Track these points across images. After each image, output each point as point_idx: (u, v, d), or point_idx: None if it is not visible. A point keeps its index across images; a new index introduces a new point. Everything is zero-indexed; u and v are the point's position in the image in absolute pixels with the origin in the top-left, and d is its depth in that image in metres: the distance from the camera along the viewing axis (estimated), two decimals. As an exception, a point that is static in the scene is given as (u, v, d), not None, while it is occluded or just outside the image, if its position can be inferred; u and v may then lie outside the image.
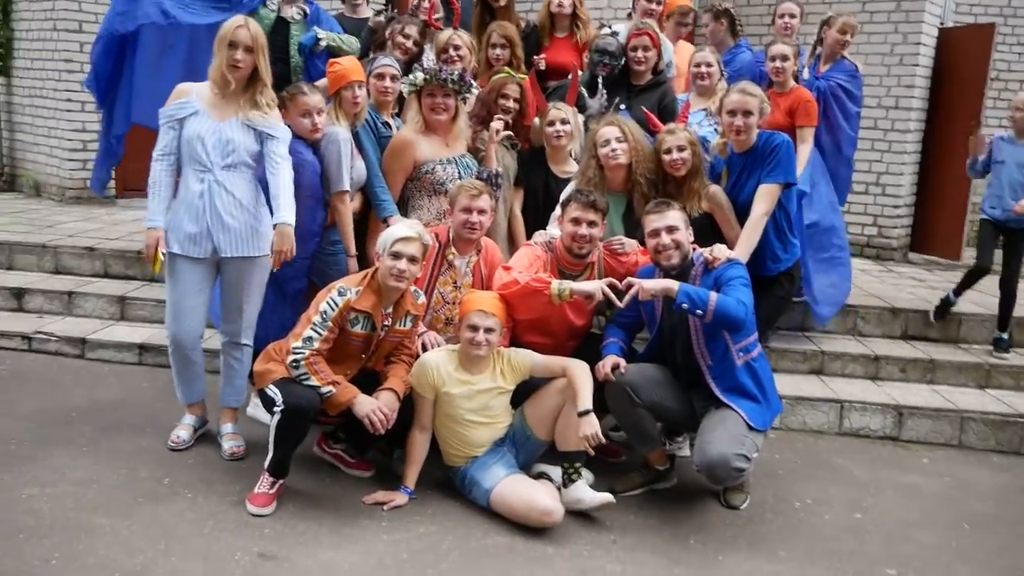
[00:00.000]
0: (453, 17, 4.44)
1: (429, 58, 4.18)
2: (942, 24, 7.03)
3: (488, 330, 3.00)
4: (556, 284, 3.12)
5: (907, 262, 6.76)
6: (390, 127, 3.83)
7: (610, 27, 4.55)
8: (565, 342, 3.43)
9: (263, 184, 3.24)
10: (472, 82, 3.78)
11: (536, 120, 4.01)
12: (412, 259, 2.95)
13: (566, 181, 3.78)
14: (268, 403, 2.95)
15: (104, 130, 4.63)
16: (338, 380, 2.92)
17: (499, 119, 3.77)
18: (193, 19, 4.23)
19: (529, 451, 3.18)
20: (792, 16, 4.90)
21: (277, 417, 2.89)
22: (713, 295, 2.94)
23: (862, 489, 3.48)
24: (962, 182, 6.56)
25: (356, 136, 3.62)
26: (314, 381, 2.88)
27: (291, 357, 2.90)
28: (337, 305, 2.93)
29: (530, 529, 2.90)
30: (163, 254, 3.16)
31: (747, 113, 3.49)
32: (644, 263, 3.37)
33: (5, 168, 7.60)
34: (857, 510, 3.29)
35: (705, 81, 4.22)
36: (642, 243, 3.33)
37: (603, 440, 2.95)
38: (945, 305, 4.71)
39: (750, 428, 3.03)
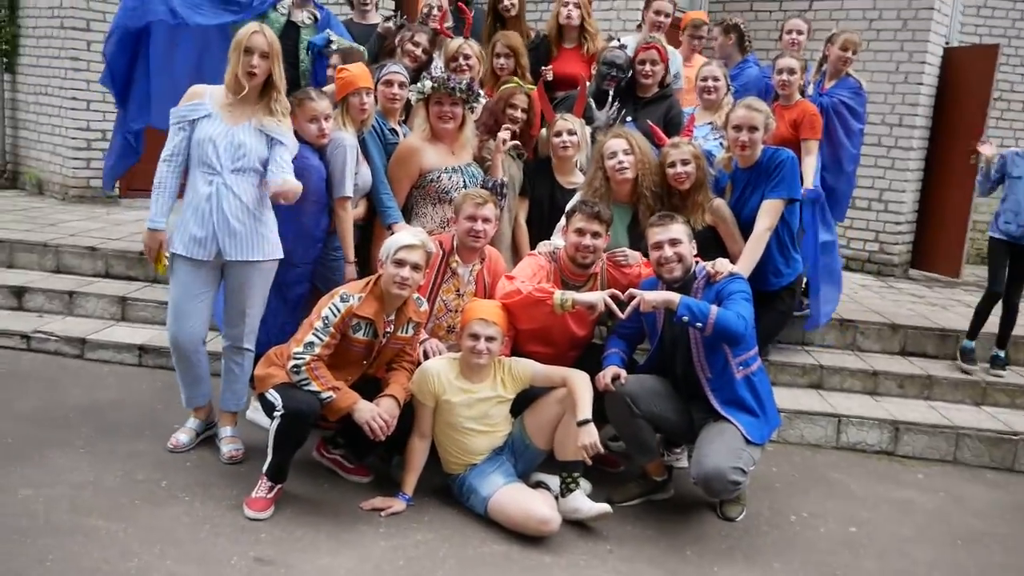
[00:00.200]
0: (464, 26, 4.46)
1: (438, 66, 4.19)
2: (947, 44, 7.08)
3: (489, 339, 3.01)
4: (559, 294, 3.13)
5: (907, 278, 6.79)
6: (397, 134, 3.84)
7: (618, 39, 4.58)
8: (566, 352, 3.44)
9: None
10: (480, 91, 3.79)
11: (543, 131, 4.02)
12: (415, 267, 2.96)
13: (572, 192, 3.80)
14: (268, 407, 2.96)
15: (118, 125, 4.62)
16: (338, 386, 2.92)
17: (507, 129, 3.78)
18: (201, 20, 4.23)
19: (528, 460, 3.19)
20: (800, 32, 4.93)
21: (277, 422, 2.90)
22: (713, 309, 2.95)
23: (858, 503, 3.49)
24: (963, 201, 6.61)
25: (362, 142, 3.63)
26: (315, 386, 2.89)
27: (292, 362, 2.91)
28: (339, 311, 2.94)
29: (527, 538, 2.90)
30: (167, 255, 3.17)
31: (752, 128, 3.51)
32: (647, 275, 3.38)
33: (8, 165, 7.60)
34: (852, 524, 3.29)
35: (712, 95, 4.24)
36: (646, 255, 3.34)
37: (601, 450, 2.95)
38: (966, 354, 4.60)
39: (748, 442, 3.04)
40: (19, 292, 4.80)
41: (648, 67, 4.20)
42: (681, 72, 4.74)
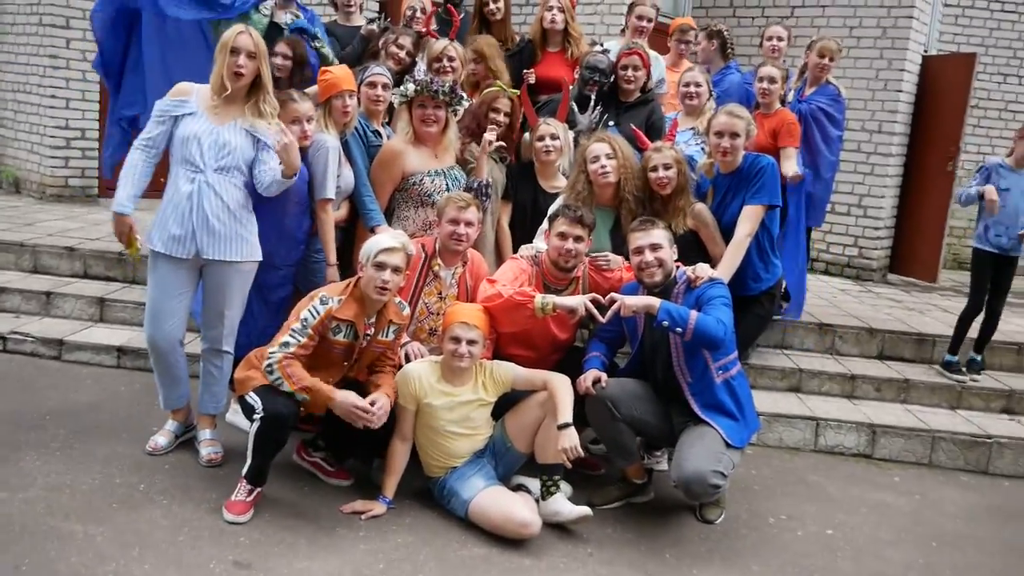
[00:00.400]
0: (451, 29, 4.47)
1: (422, 69, 4.20)
2: (926, 52, 7.18)
3: (471, 342, 3.01)
4: (539, 298, 3.14)
5: (886, 283, 6.87)
6: (380, 136, 3.83)
7: (601, 44, 4.60)
8: (548, 355, 3.45)
9: (251, 190, 3.23)
10: (463, 94, 3.79)
11: (526, 135, 4.04)
12: (396, 269, 2.96)
13: (555, 196, 3.81)
14: (248, 410, 2.94)
15: (111, 113, 4.57)
16: (310, 385, 2.89)
17: (491, 130, 3.79)
18: (181, 13, 4.21)
19: (508, 463, 3.20)
20: (780, 39, 4.98)
21: (256, 425, 2.88)
22: (693, 314, 2.98)
23: (835, 506, 3.53)
24: (941, 206, 6.71)
25: (345, 145, 3.62)
26: (288, 387, 2.86)
27: (265, 362, 2.90)
28: (319, 313, 2.93)
29: (507, 541, 2.91)
30: (138, 239, 3.11)
31: (734, 135, 3.54)
32: (628, 279, 3.40)
33: (-15, 163, 7.50)
34: (830, 526, 3.33)
35: (694, 101, 4.27)
36: (628, 259, 3.36)
37: (582, 454, 2.96)
38: (950, 366, 4.63)
39: (727, 445, 3.07)
40: (-5, 292, 4.73)
41: (630, 72, 4.23)
42: (665, 77, 4.78)
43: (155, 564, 2.58)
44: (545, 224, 3.51)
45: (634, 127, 4.01)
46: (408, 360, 3.21)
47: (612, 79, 4.28)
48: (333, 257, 3.57)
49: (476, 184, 3.69)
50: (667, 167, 3.57)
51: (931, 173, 6.78)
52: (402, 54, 4.16)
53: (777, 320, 4.72)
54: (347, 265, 3.66)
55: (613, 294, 3.10)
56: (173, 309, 3.19)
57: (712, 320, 2.97)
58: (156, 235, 3.14)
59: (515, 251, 3.72)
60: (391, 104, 3.88)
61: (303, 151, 3.45)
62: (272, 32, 4.26)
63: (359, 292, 3.00)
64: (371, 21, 4.66)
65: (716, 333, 2.96)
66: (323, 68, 3.63)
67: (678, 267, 3.24)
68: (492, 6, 4.68)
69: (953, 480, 3.98)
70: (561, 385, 3.04)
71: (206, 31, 4.36)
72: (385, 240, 3.01)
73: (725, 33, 5.05)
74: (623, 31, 5.08)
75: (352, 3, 4.85)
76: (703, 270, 3.20)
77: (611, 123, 4.16)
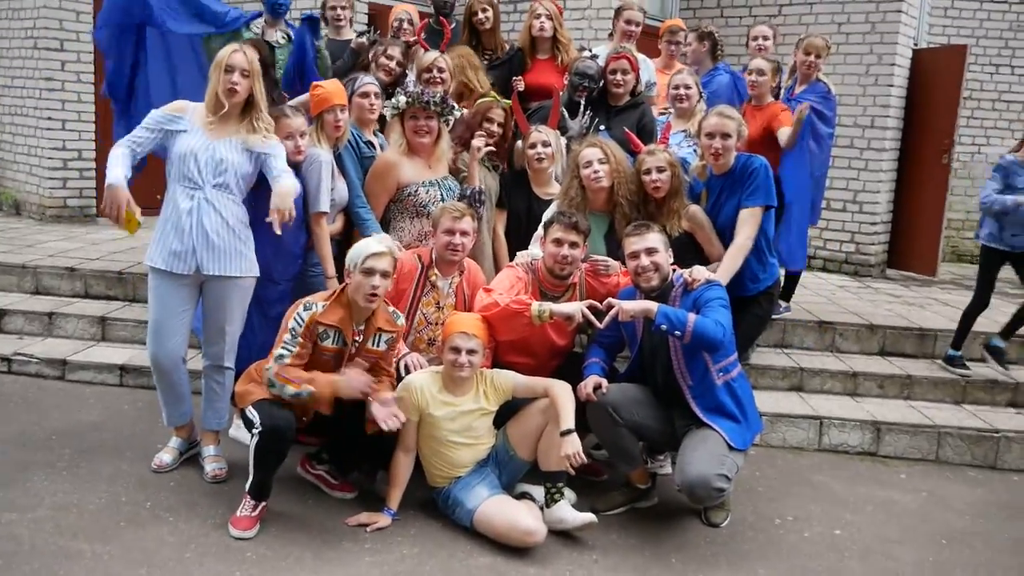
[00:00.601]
0: (442, 40, 4.49)
1: (412, 80, 4.22)
2: (916, 45, 7.19)
3: (471, 351, 3.02)
4: (536, 305, 3.15)
5: (884, 278, 6.87)
6: (373, 147, 3.85)
7: (590, 50, 4.62)
8: (547, 362, 3.46)
9: (249, 207, 3.26)
10: (454, 104, 3.81)
11: (518, 143, 4.05)
12: (384, 274, 2.97)
13: (549, 202, 3.82)
14: (249, 424, 2.96)
15: (115, 134, 4.60)
16: (312, 377, 2.90)
17: (480, 136, 3.80)
18: (176, 26, 4.25)
19: (512, 471, 3.20)
20: (765, 38, 5.01)
21: (256, 439, 2.89)
22: (691, 316, 2.98)
23: (841, 505, 3.52)
24: (937, 199, 6.72)
25: (338, 158, 3.64)
26: (291, 388, 2.87)
27: (265, 377, 2.91)
28: (303, 320, 2.94)
29: (513, 549, 2.91)
30: (135, 211, 3.04)
31: (725, 136, 3.55)
32: (625, 284, 3.40)
33: (-16, 186, 7.53)
34: (837, 527, 3.32)
35: (684, 103, 4.29)
36: (624, 263, 3.37)
37: (585, 460, 2.97)
38: (953, 360, 4.59)
39: (731, 448, 3.07)
40: (-3, 315, 4.76)
41: (619, 76, 4.25)
42: (655, 80, 4.80)
43: (162, 583, 2.60)
44: (540, 231, 3.52)
45: (627, 130, 4.02)
46: (407, 371, 3.21)
47: (601, 84, 4.30)
48: (331, 269, 3.58)
49: (470, 192, 3.71)
50: (661, 170, 3.58)
51: (926, 166, 6.78)
52: (392, 64, 4.18)
53: (776, 319, 4.73)
54: (343, 277, 3.66)
55: (610, 299, 3.11)
56: (175, 327, 3.21)
57: (710, 322, 2.98)
58: (156, 252, 3.16)
59: (511, 259, 3.72)
60: (382, 116, 3.90)
61: (297, 166, 3.47)
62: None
63: (346, 298, 3.01)
64: (361, 35, 4.69)
65: (715, 335, 2.96)
66: (314, 84, 3.65)
67: (675, 270, 3.25)
68: (481, 15, 4.70)
69: (960, 476, 3.97)
70: (562, 391, 3.04)
71: (197, 49, 4.40)
72: (372, 245, 3.01)
73: (716, 34, 5.08)
74: (611, 35, 5.10)
75: (342, 17, 4.88)
76: (700, 272, 3.20)
77: (602, 127, 4.18)
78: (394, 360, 3.25)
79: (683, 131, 4.24)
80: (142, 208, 3.07)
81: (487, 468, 3.16)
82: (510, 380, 3.14)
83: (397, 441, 3.10)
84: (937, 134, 6.67)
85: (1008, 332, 4.56)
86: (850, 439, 4.14)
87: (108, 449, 3.51)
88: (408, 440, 3.10)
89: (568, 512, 3.03)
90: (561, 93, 4.31)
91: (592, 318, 3.12)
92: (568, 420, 2.97)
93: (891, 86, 6.72)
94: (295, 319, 2.95)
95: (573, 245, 3.29)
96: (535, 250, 3.56)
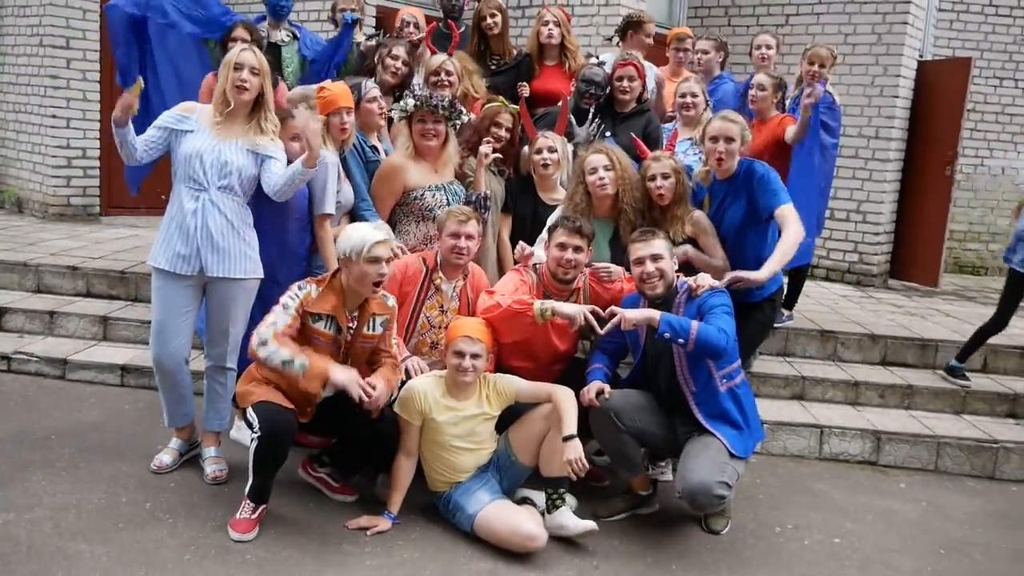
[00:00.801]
0: (451, 43, 4.50)
1: (419, 83, 4.22)
2: (921, 57, 7.21)
3: (474, 356, 3.01)
4: (538, 304, 3.16)
5: (887, 288, 6.87)
6: (377, 151, 3.85)
7: (597, 56, 4.63)
8: (549, 366, 3.45)
9: (254, 209, 3.27)
10: (462, 108, 3.82)
11: (525, 148, 4.06)
12: (387, 261, 2.97)
13: (554, 208, 3.82)
14: (250, 425, 2.94)
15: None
16: (307, 351, 2.88)
17: (487, 142, 3.81)
18: (187, 26, 4.27)
19: (513, 476, 3.20)
20: (768, 47, 5.02)
21: (254, 443, 2.88)
22: (695, 324, 2.98)
23: (841, 514, 3.52)
24: (940, 210, 6.72)
25: (343, 161, 3.64)
26: (285, 353, 2.81)
27: (257, 338, 2.84)
28: (298, 296, 2.94)
29: (513, 555, 2.90)
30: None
31: (729, 139, 3.55)
32: (629, 290, 3.40)
33: (-13, 184, 7.54)
34: (836, 535, 3.32)
35: (690, 111, 4.29)
36: (628, 269, 3.37)
37: (587, 466, 2.96)
38: (954, 371, 4.63)
39: (732, 455, 3.06)
40: (-2, 312, 4.75)
41: (626, 83, 4.26)
42: (663, 84, 4.83)
43: (161, 584, 2.59)
44: (544, 235, 3.52)
45: (634, 136, 4.03)
46: (409, 376, 3.21)
47: (608, 91, 4.31)
48: (335, 270, 3.59)
49: (475, 196, 3.71)
50: (666, 176, 3.58)
51: (930, 177, 6.79)
52: (398, 64, 4.15)
53: (778, 327, 4.72)
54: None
55: (613, 307, 3.10)
56: (178, 328, 3.21)
57: (714, 329, 2.97)
58: (159, 253, 3.16)
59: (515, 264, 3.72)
60: (389, 116, 3.91)
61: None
62: (270, 51, 4.30)
63: (339, 284, 2.99)
64: (370, 38, 4.69)
65: (718, 342, 2.96)
66: (319, 86, 3.65)
67: (679, 277, 3.25)
68: (490, 20, 4.71)
69: (960, 486, 3.97)
70: (565, 397, 3.04)
71: (201, 53, 4.42)
72: (375, 233, 2.96)
73: (728, 45, 5.12)
74: (614, 41, 5.10)
75: (351, 20, 4.88)
76: (703, 279, 3.20)
77: (608, 134, 4.19)
78: (392, 343, 3.19)
79: (689, 139, 4.25)
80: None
81: (488, 473, 3.15)
82: (513, 385, 3.14)
83: (399, 445, 3.09)
84: (941, 145, 6.68)
85: (965, 355, 4.63)
86: (851, 448, 4.14)
87: (108, 449, 3.50)
88: (410, 444, 3.10)
89: (569, 518, 3.03)
90: (568, 99, 4.31)
91: (594, 324, 3.12)
92: (571, 425, 2.97)
93: (896, 97, 6.74)
94: (290, 296, 2.95)
95: (577, 249, 3.29)
96: (539, 250, 3.56)
